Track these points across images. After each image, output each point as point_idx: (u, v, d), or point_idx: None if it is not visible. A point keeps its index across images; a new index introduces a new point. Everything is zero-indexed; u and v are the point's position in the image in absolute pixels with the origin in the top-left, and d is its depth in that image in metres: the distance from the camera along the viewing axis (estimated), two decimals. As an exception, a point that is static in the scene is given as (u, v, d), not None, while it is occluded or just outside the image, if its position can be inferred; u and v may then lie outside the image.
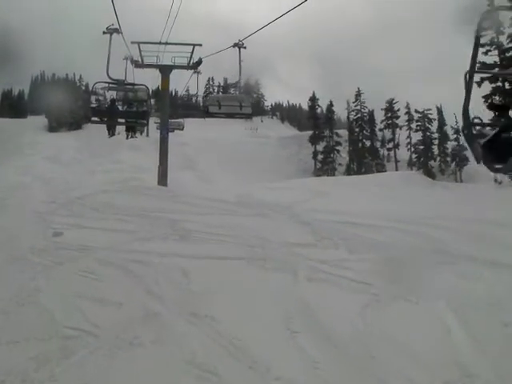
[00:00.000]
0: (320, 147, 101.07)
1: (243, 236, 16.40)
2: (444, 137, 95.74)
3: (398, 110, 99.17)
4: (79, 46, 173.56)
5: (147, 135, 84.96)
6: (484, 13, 9.09)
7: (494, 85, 53.24)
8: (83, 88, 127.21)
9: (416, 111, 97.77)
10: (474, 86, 9.91)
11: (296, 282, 11.88)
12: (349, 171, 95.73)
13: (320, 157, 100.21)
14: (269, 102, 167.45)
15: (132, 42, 31.68)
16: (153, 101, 43.05)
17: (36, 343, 8.38)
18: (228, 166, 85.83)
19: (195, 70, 35.16)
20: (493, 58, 55.00)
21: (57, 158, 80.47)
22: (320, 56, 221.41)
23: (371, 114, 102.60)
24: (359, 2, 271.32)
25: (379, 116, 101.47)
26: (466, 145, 11.32)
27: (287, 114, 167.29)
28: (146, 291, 11.07)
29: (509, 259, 12.84)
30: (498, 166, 9.56)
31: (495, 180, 45.27)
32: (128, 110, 29.66)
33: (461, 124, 12.33)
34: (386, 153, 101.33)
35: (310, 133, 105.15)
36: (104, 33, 27.79)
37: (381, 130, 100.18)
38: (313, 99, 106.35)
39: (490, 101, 50.32)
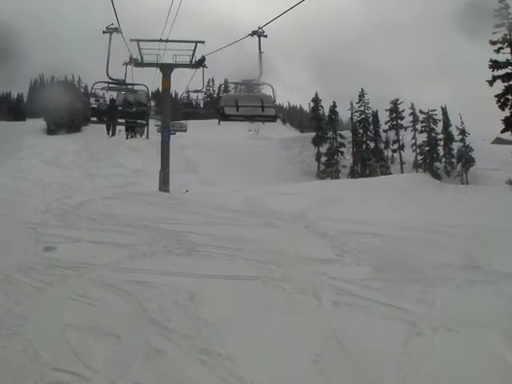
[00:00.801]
0: (323, 149, 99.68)
1: (255, 250, 14.85)
2: (449, 137, 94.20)
3: (403, 110, 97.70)
4: (78, 47, 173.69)
5: (147, 137, 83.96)
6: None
7: (506, 84, 51.69)
8: (82, 90, 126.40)
9: (421, 112, 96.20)
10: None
11: (320, 307, 10.35)
12: (353, 173, 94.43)
13: (323, 159, 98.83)
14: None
15: (131, 40, 30.96)
16: (153, 103, 41.56)
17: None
18: (230, 168, 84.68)
19: (201, 66, 33.73)
20: (505, 55, 53.35)
21: (55, 161, 79.44)
22: (319, 57, 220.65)
23: (375, 114, 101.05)
24: (358, 3, 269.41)
25: (383, 117, 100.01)
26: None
27: (288, 115, 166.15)
28: (148, 320, 9.52)
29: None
30: None
31: (510, 182, 43.82)
32: (127, 110, 28.43)
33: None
34: (390, 154, 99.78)
35: (312, 134, 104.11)
36: (104, 32, 27.18)
37: (385, 131, 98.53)
38: (315, 100, 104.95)
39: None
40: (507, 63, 52.36)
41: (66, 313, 9.86)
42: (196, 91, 37.60)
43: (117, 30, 26.96)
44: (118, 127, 34.98)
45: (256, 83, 21.78)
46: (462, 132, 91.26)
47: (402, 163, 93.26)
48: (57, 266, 13.14)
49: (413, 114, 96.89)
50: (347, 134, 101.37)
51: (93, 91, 28.45)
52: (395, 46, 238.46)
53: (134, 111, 28.58)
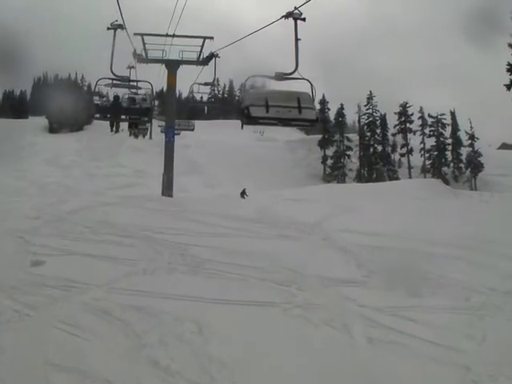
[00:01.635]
0: (329, 152, 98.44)
1: (270, 268, 13.11)
2: (458, 142, 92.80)
3: (412, 114, 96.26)
4: (82, 45, 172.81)
5: (150, 137, 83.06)
6: None
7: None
8: (85, 88, 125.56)
9: (429, 116, 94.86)
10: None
11: (353, 345, 8.62)
12: (359, 177, 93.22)
13: (329, 162, 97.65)
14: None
15: (135, 34, 29.79)
16: (156, 103, 40.49)
17: None
18: (234, 170, 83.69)
19: (211, 60, 32.02)
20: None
21: (56, 160, 78.23)
22: (322, 58, 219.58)
23: (383, 117, 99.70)
24: (364, 4, 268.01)
25: (391, 120, 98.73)
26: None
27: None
28: (147, 359, 7.83)
29: None
30: None
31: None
32: (131, 107, 27.88)
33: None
34: (397, 158, 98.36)
35: (318, 137, 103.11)
36: (108, 29, 26.11)
37: (393, 134, 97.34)
38: (322, 102, 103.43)
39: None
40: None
41: (50, 347, 8.19)
42: (207, 84, 35.56)
43: (121, 26, 25.90)
44: (122, 126, 34.22)
45: (291, 76, 16.54)
46: (471, 137, 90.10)
47: (410, 168, 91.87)
48: (44, 284, 11.41)
49: (422, 117, 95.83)
50: (354, 137, 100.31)
51: (97, 88, 27.73)
52: (402, 49, 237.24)
53: (137, 108, 28.06)
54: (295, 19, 17.82)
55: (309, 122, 16.96)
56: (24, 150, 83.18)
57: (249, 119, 16.03)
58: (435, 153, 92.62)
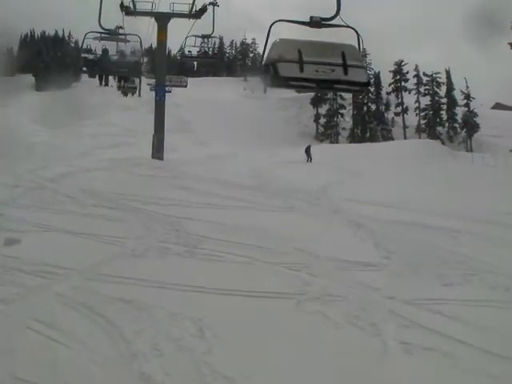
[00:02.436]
0: (322, 110, 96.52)
1: (277, 248, 11.54)
2: (453, 102, 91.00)
3: (407, 72, 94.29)
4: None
5: (139, 95, 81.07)
6: None
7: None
8: (73, 45, 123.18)
9: (424, 74, 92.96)
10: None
11: (386, 353, 7.03)
12: (352, 136, 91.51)
13: (322, 120, 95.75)
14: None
15: None
16: (145, 59, 39.29)
17: None
18: (225, 128, 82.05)
19: (202, 15, 30.27)
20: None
21: (42, 119, 75.76)
22: (310, 9, 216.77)
23: (377, 76, 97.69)
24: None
25: (385, 79, 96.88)
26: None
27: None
28: (138, 374, 6.28)
29: None
30: None
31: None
32: (120, 60, 28.19)
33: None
34: (391, 117, 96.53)
35: (311, 94, 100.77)
36: None
37: (388, 93, 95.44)
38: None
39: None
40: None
41: (22, 355, 6.61)
42: (204, 36, 33.44)
43: None
44: (111, 82, 33.90)
45: (331, 23, 9.95)
46: (467, 96, 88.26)
47: (405, 127, 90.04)
48: (18, 269, 9.84)
49: (417, 76, 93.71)
50: (347, 95, 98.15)
51: (85, 42, 27.28)
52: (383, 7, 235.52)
53: (126, 61, 28.34)
54: None
55: (358, 85, 10.64)
56: (9, 109, 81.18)
57: (276, 80, 10.05)
58: (430, 112, 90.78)
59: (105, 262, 10.41)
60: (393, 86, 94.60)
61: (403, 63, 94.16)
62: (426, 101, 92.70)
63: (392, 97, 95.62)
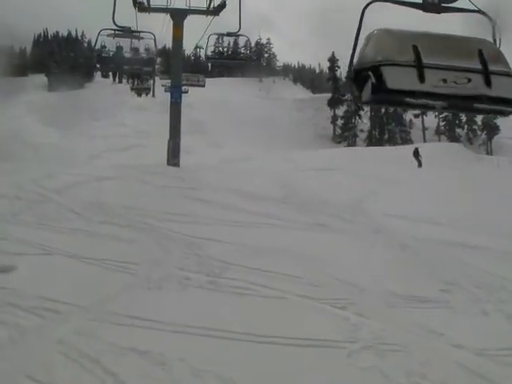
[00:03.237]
0: (339, 111, 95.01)
1: (313, 277, 9.79)
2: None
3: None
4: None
5: (153, 95, 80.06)
6: None
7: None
8: (85, 45, 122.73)
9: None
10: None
11: None
12: (370, 138, 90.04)
13: (339, 122, 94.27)
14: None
15: None
16: (158, 59, 38.40)
17: None
18: (239, 129, 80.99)
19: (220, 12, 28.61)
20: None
21: (52, 120, 74.55)
22: (322, 13, 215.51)
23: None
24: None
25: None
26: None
27: (299, 75, 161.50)
28: None
29: None
30: None
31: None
32: (134, 57, 27.69)
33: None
34: (408, 119, 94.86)
35: (326, 95, 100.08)
36: None
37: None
38: (332, 60, 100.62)
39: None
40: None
41: None
42: (230, 34, 31.35)
43: None
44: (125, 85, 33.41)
45: (453, 5, 6.32)
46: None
47: (424, 129, 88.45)
48: (12, 304, 8.14)
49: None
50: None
51: (99, 39, 26.73)
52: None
53: (140, 58, 27.75)
54: None
55: (508, 104, 6.17)
56: (19, 109, 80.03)
57: (379, 95, 6.02)
58: (450, 114, 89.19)
59: (114, 295, 8.73)
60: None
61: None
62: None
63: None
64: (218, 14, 28.15)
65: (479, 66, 5.77)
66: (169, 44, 34.49)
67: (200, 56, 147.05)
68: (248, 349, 6.99)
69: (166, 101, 34.09)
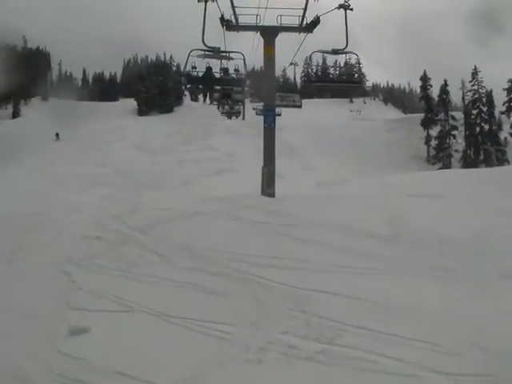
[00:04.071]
0: (433, 132, 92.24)
1: (456, 348, 7.63)
2: None
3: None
4: (171, 22, 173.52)
5: (243, 118, 79.08)
6: None
7: None
8: (174, 68, 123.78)
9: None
10: None
11: None
12: (465, 159, 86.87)
13: (433, 142, 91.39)
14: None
15: None
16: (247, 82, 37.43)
17: None
18: (330, 152, 79.48)
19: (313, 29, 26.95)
20: None
21: (143, 145, 74.87)
22: (407, 33, 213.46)
23: (489, 94, 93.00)
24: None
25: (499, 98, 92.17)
26: None
27: (389, 95, 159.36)
28: None
29: None
30: None
31: None
32: (224, 77, 27.20)
33: None
34: (504, 138, 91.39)
35: (419, 115, 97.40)
36: (198, 1, 25.75)
37: (502, 112, 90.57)
38: (424, 79, 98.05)
39: None
40: None
41: None
42: (337, 52, 27.09)
43: None
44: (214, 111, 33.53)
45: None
46: None
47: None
48: (78, 380, 6.70)
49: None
50: (459, 115, 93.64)
51: (189, 60, 26.47)
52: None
53: (230, 78, 27.06)
54: None
55: None
56: (110, 134, 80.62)
57: None
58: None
59: (205, 371, 6.99)
60: (507, 104, 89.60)
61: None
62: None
63: (504, 116, 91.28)
64: (311, 31, 26.49)
65: None
66: (257, 65, 33.28)
67: (288, 77, 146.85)
68: None
69: (256, 122, 33.53)
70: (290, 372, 7.10)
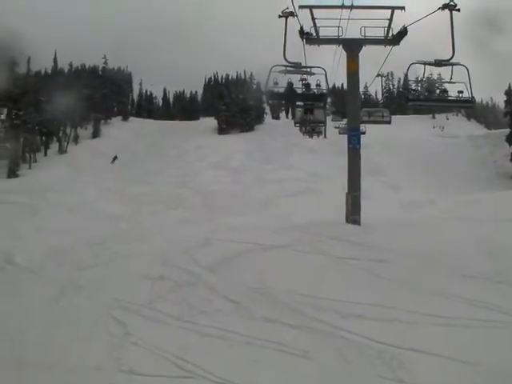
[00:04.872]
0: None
1: None
2: None
3: None
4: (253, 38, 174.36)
5: (325, 136, 77.69)
6: None
7: None
8: (254, 86, 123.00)
9: None
10: None
11: None
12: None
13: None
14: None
15: (301, 7, 24.60)
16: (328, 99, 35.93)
17: None
18: (415, 169, 77.56)
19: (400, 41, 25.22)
20: None
21: (223, 164, 74.32)
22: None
23: None
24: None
25: None
26: None
27: (472, 110, 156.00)
28: None
29: None
30: None
31: None
32: (306, 93, 26.37)
33: None
34: None
35: (504, 131, 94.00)
36: (279, 16, 24.85)
37: None
38: (509, 93, 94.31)
39: None
40: None
41: None
42: (440, 64, 24.09)
43: (292, 13, 24.47)
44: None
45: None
46: None
47: None
48: None
49: None
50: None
51: (270, 75, 25.59)
52: None
53: (312, 93, 26.30)
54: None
55: None
56: (190, 154, 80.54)
57: None
58: None
59: None
60: None
61: None
62: None
63: None
64: (398, 43, 24.80)
65: None
66: (337, 82, 32.09)
67: (369, 93, 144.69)
68: None
69: (337, 141, 32.65)
70: None
